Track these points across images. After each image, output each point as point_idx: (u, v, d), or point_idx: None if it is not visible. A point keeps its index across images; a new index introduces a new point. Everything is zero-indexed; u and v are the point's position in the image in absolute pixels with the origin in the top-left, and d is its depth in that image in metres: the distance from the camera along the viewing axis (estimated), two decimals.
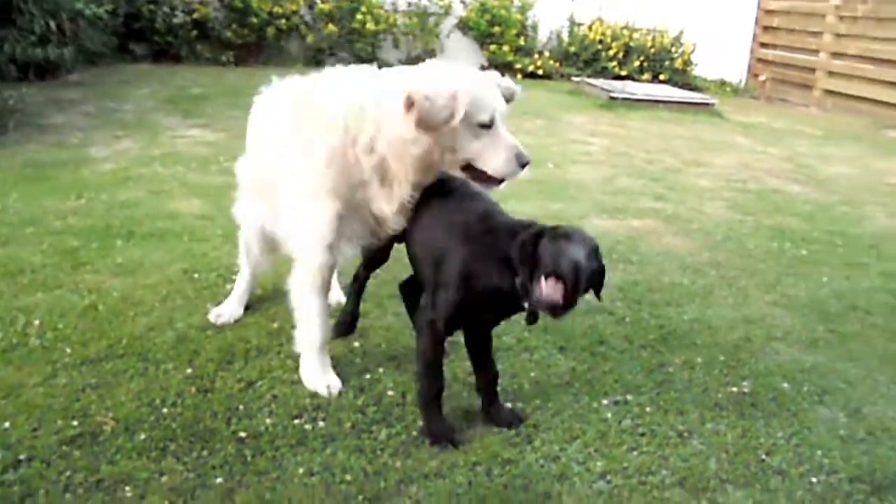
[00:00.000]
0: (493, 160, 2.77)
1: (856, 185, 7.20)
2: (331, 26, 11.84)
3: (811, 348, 3.65)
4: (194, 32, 11.34)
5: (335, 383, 3.04)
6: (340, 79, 3.02)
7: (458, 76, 2.78)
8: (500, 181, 2.83)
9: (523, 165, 2.80)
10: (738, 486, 2.62)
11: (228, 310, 3.57)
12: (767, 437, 2.90)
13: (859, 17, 11.51)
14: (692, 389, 3.20)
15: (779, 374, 3.37)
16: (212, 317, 3.53)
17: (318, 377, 3.05)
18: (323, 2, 12.02)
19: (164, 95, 8.95)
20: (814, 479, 2.68)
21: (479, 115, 2.73)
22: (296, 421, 2.81)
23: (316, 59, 11.86)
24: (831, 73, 12.05)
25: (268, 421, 2.79)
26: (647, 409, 3.02)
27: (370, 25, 11.93)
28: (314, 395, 2.96)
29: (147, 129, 7.28)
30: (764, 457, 2.78)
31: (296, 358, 3.19)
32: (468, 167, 2.82)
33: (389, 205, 2.89)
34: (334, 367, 3.12)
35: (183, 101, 8.63)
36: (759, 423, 2.98)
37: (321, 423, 2.80)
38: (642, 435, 2.85)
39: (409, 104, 2.65)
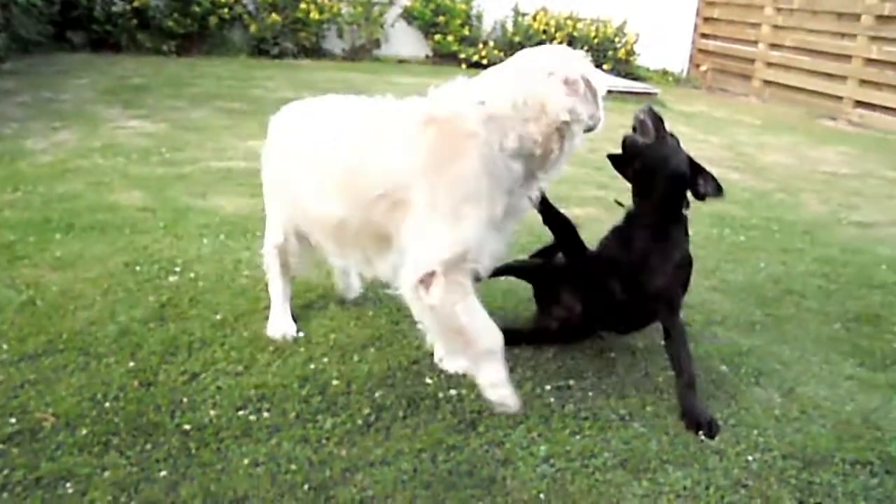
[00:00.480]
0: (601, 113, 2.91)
1: (792, 173, 7.39)
2: (274, 16, 11.71)
3: (748, 332, 3.75)
4: (134, 21, 11.09)
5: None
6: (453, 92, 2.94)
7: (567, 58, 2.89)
8: None
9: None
10: (678, 465, 2.69)
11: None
12: None
13: (795, 10, 11.77)
14: (634, 374, 3.27)
15: (717, 357, 3.46)
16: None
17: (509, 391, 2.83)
18: None
19: (104, 86, 8.76)
20: (749, 458, 2.76)
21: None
22: (240, 412, 2.80)
23: (259, 48, 11.74)
24: (769, 64, 12.31)
25: (212, 413, 2.77)
26: (590, 393, 3.08)
27: (314, 15, 11.84)
28: (259, 385, 2.95)
29: (86, 120, 7.13)
30: (703, 437, 2.86)
31: (239, 349, 3.18)
32: None
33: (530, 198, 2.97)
34: (275, 356, 3.14)
35: (123, 92, 8.47)
36: None
37: (266, 414, 2.80)
38: (585, 419, 2.90)
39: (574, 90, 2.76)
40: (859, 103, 10.69)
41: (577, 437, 2.79)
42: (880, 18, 10.33)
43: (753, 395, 3.18)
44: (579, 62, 2.87)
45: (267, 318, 3.43)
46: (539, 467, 2.61)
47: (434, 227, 2.71)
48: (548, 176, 2.95)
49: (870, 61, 10.52)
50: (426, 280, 2.70)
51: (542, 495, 2.48)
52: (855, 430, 2.98)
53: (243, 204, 5.01)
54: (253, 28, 11.66)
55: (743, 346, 3.59)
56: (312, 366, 3.14)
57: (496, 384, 2.79)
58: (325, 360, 3.19)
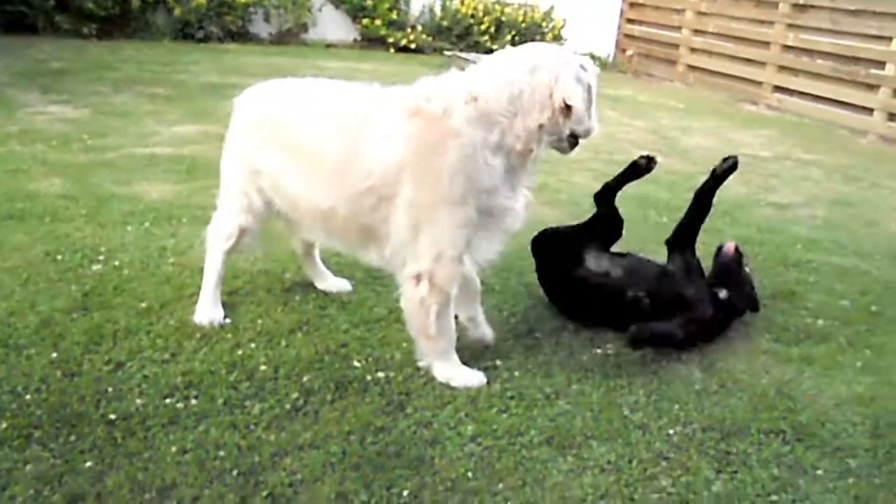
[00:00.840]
0: (594, 122, 2.93)
1: (714, 156, 7.51)
2: None
3: None
4: (52, 2, 10.69)
5: (478, 378, 3.07)
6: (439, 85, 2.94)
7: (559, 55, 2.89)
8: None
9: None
10: (602, 441, 2.77)
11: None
12: (630, 394, 3.08)
13: None
14: (559, 353, 3.34)
15: None
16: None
17: (468, 376, 3.06)
18: None
19: (20, 69, 8.47)
20: (671, 431, 2.86)
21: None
22: (167, 400, 2.78)
23: (184, 32, 11.48)
24: (693, 50, 12.56)
25: (138, 402, 2.75)
26: (516, 373, 3.14)
27: None
28: (186, 373, 2.94)
29: (1, 105, 6.91)
30: (627, 413, 2.95)
31: (166, 336, 3.16)
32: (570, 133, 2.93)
33: (517, 201, 2.96)
34: (202, 343, 3.14)
35: (41, 76, 8.20)
36: (623, 383, 3.15)
37: (193, 401, 2.79)
38: (511, 398, 2.96)
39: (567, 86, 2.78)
40: (777, 88, 11.00)
41: (504, 415, 2.85)
42: (796, 7, 10.64)
43: (675, 372, 3.29)
44: (591, 68, 2.92)
45: (194, 304, 3.40)
46: (466, 446, 2.66)
47: (414, 227, 2.84)
48: (528, 176, 3.00)
49: (787, 48, 10.83)
50: (417, 277, 2.91)
51: (469, 473, 2.53)
52: (769, 402, 3.11)
53: (168, 190, 4.94)
54: (177, 11, 11.36)
55: None
56: (240, 352, 3.13)
57: (449, 378, 3.02)
58: (253, 345, 3.18)
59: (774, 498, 2.55)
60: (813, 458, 2.78)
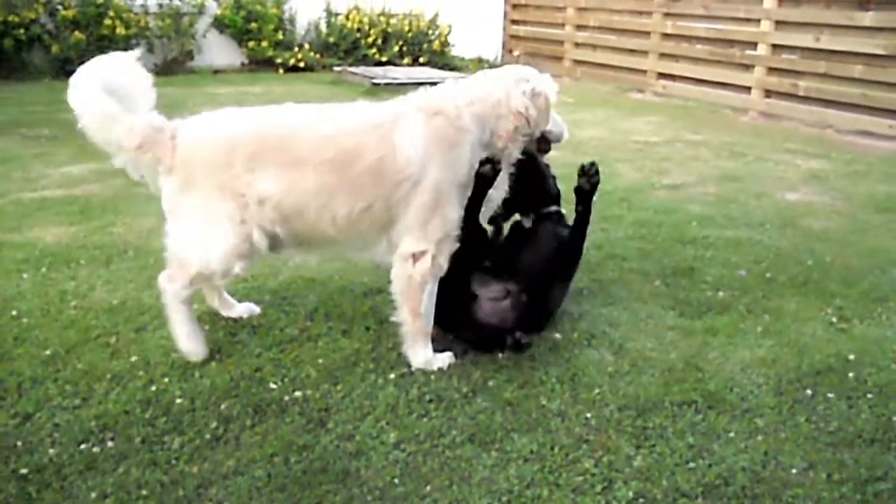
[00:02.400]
0: (562, 126, 3.55)
1: (606, 146, 7.80)
2: (77, 34, 11.07)
3: (577, 298, 3.95)
4: None
5: (449, 357, 3.34)
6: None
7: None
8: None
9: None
10: (523, 432, 2.82)
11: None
12: (545, 384, 3.14)
13: None
14: (473, 352, 3.38)
15: (551, 327, 3.62)
16: None
17: (441, 359, 3.30)
18: (66, 8, 11.22)
19: None
20: (588, 415, 2.94)
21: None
22: (82, 446, 2.71)
23: (65, 70, 11.09)
24: (577, 45, 12.88)
25: (51, 451, 2.67)
26: (432, 377, 3.18)
27: (121, 31, 11.31)
28: (100, 416, 2.86)
29: None
30: (544, 402, 3.01)
31: (74, 382, 3.07)
32: (541, 138, 3.50)
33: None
34: (113, 384, 3.07)
35: None
36: (538, 374, 3.21)
37: (110, 444, 2.72)
38: (430, 401, 3.00)
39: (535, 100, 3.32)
40: (661, 75, 11.38)
41: (425, 419, 2.88)
42: None
43: (587, 357, 3.37)
44: (550, 84, 3.43)
45: (101, 347, 3.34)
46: (391, 454, 2.68)
47: (433, 208, 3.15)
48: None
49: (666, 36, 11.21)
50: (417, 255, 3.17)
51: (396, 480, 2.55)
52: (679, 375, 3.22)
53: (63, 233, 4.80)
54: (55, 48, 11.02)
55: (574, 313, 3.78)
56: (154, 388, 3.07)
57: (426, 362, 3.26)
58: (167, 380, 3.13)
59: (692, 465, 2.66)
60: (724, 422, 2.90)
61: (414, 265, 3.17)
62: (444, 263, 3.22)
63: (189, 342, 3.26)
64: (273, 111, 3.26)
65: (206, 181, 3.08)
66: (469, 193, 3.24)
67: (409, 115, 3.19)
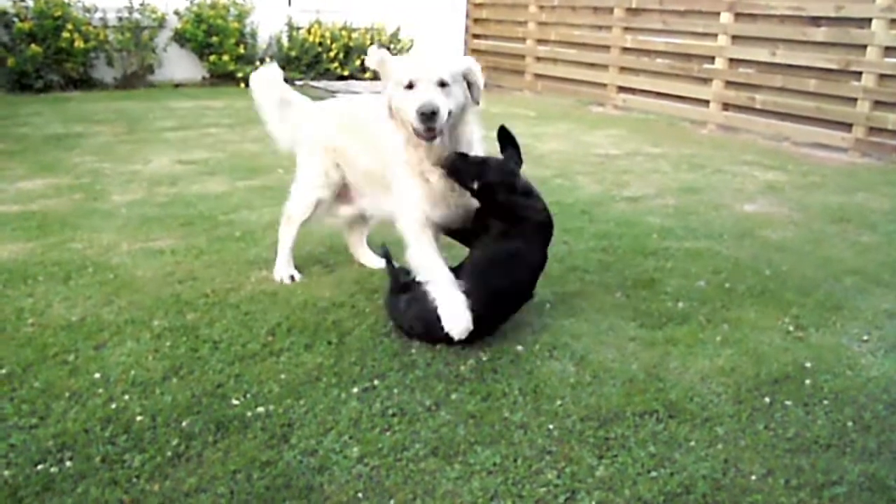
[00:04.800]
0: (410, 114, 3.42)
1: (568, 159, 7.87)
2: (34, 47, 10.90)
3: (539, 311, 3.97)
4: None
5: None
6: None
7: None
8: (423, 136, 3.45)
9: (422, 114, 3.35)
10: (486, 445, 2.83)
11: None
12: (508, 397, 3.15)
13: (557, 6, 12.50)
14: (435, 366, 3.38)
15: (513, 339, 3.64)
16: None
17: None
18: (22, 20, 11.05)
19: None
20: (551, 426, 2.95)
21: (400, 77, 3.48)
22: (39, 466, 2.65)
23: (21, 83, 10.98)
24: (538, 59, 13.00)
25: (6, 473, 2.61)
26: (395, 390, 3.17)
27: (79, 44, 11.16)
28: (57, 435, 2.81)
29: None
30: (507, 414, 3.02)
31: (31, 400, 3.02)
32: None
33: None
34: (72, 402, 3.02)
35: None
36: (500, 386, 3.22)
37: (68, 463, 2.67)
38: (393, 415, 2.99)
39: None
40: (621, 89, 11.52)
41: (388, 433, 2.88)
42: (630, 10, 11.19)
43: (549, 368, 3.39)
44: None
45: (59, 365, 3.29)
46: (354, 468, 2.67)
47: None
48: None
49: (626, 50, 11.36)
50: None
51: (360, 494, 2.54)
52: (641, 385, 3.25)
53: (20, 249, 4.72)
54: (11, 62, 10.84)
55: (536, 325, 3.80)
56: (114, 405, 3.03)
57: (449, 304, 3.50)
58: (127, 397, 3.08)
59: (654, 474, 2.68)
60: (685, 431, 2.93)
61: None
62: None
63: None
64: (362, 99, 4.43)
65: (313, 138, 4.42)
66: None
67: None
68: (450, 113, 3.45)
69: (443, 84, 3.44)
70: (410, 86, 3.44)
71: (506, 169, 3.64)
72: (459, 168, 3.56)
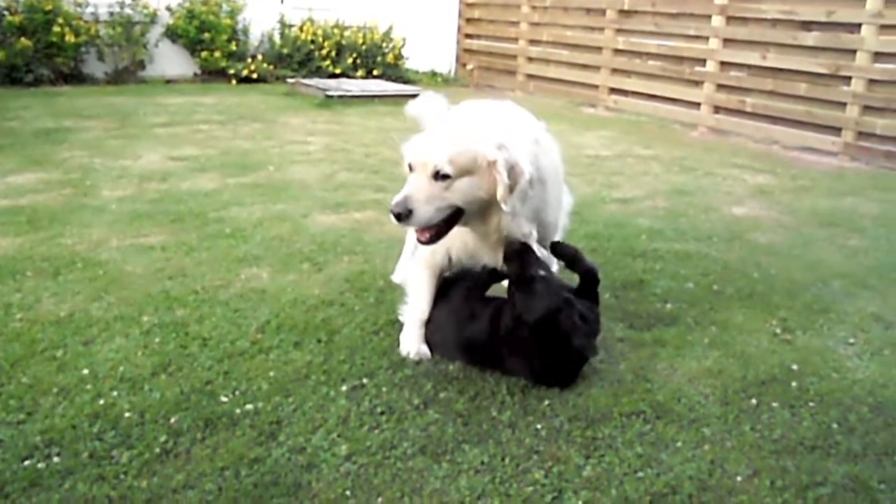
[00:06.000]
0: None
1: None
2: (24, 40, 10.85)
3: None
4: None
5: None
6: None
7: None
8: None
9: (391, 213, 3.01)
10: (474, 443, 2.84)
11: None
12: (496, 396, 3.16)
13: (549, 7, 12.52)
14: (425, 365, 3.39)
15: None
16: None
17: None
18: (12, 13, 10.99)
19: None
20: (539, 426, 2.96)
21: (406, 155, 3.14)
22: (26, 462, 2.65)
23: (11, 77, 10.91)
24: (531, 59, 13.02)
25: None
26: (384, 388, 3.18)
27: (70, 38, 11.13)
28: (45, 431, 2.80)
29: None
30: (495, 414, 3.03)
31: (19, 396, 3.01)
32: None
33: None
34: (60, 398, 3.02)
35: None
36: (489, 386, 3.23)
37: (56, 459, 2.66)
38: (382, 413, 3.00)
39: None
40: (613, 90, 11.56)
41: (376, 431, 2.88)
42: (622, 12, 11.22)
43: None
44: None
45: (47, 360, 3.29)
46: (342, 466, 2.68)
47: None
48: None
49: (618, 51, 11.40)
50: None
51: (347, 492, 2.55)
52: (629, 386, 3.27)
53: (8, 244, 4.71)
54: (0, 55, 10.83)
55: None
56: (102, 401, 3.02)
57: (405, 338, 3.49)
58: (115, 393, 3.08)
59: (641, 475, 2.69)
60: (672, 432, 2.95)
61: None
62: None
63: None
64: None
65: None
66: None
67: None
68: (459, 211, 3.07)
69: (442, 176, 3.00)
70: (412, 169, 3.08)
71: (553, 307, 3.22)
72: (518, 263, 3.25)
